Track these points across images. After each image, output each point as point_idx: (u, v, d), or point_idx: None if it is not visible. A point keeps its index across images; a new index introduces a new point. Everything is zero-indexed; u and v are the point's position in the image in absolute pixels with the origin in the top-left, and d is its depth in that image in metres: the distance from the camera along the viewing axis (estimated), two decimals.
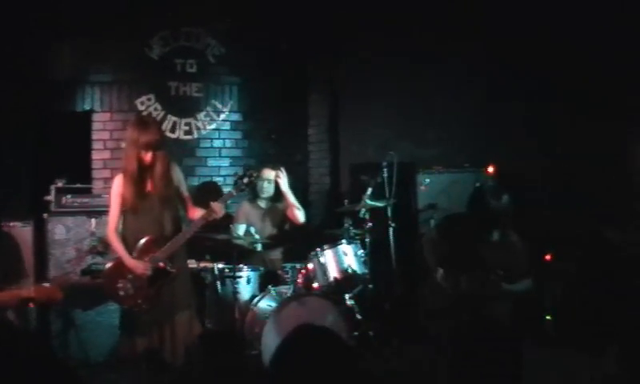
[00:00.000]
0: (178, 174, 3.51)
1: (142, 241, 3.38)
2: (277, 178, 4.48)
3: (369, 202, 4.33)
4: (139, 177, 3.35)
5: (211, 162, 5.29)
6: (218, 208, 3.42)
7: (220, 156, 5.31)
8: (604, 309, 3.99)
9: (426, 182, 4.89)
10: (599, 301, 4.06)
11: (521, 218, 3.39)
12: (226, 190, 5.23)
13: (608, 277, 4.10)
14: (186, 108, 5.18)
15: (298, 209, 4.55)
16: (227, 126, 5.33)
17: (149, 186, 3.39)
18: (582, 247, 4.32)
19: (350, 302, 4.08)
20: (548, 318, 4.29)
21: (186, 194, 3.56)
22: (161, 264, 3.38)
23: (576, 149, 4.61)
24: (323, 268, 4.04)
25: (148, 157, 3.32)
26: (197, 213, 3.52)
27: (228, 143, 5.34)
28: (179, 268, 3.46)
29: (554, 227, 4.46)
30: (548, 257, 4.35)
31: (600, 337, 3.80)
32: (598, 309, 4.03)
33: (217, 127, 5.29)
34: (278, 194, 4.59)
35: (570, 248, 4.34)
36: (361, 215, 4.34)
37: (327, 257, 4.07)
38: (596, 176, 4.48)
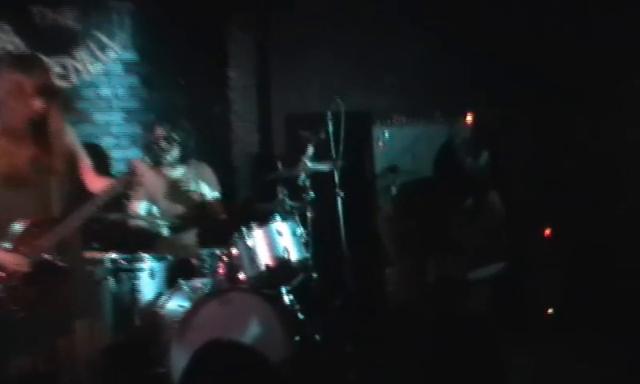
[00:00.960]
0: (71, 132, 3.33)
1: (19, 225, 3.17)
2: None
3: (310, 165, 4.32)
4: (22, 136, 3.13)
5: (98, 117, 5.16)
6: (140, 166, 3.23)
7: (110, 109, 5.19)
8: (619, 298, 4.14)
9: (384, 138, 4.92)
10: (613, 287, 4.19)
11: (506, 182, 3.43)
12: (120, 154, 5.04)
13: (622, 257, 4.24)
14: (59, 43, 4.97)
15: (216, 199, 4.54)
16: (118, 68, 5.20)
17: (34, 149, 3.17)
18: (588, 219, 4.42)
19: (287, 298, 4.12)
20: (550, 311, 4.41)
21: (84, 159, 3.38)
22: (46, 256, 3.20)
23: (575, 91, 4.68)
24: (251, 254, 4.03)
25: (37, 108, 3.10)
26: (99, 183, 3.30)
27: (120, 92, 5.21)
28: (74, 261, 3.24)
29: (551, 194, 4.58)
30: (547, 231, 4.42)
31: (612, 337, 3.96)
32: (612, 298, 4.17)
33: (104, 70, 5.15)
34: (190, 155, 4.55)
35: (574, 220, 4.44)
36: (300, 183, 4.35)
37: (256, 239, 4.06)
38: (599, 127, 4.56)
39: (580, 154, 4.60)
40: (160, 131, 4.30)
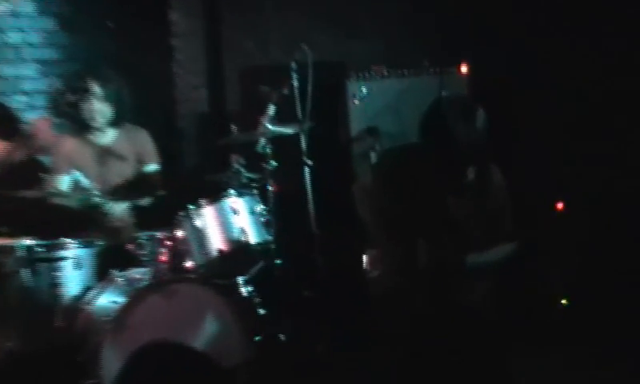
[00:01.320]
0: None
1: None
2: None
3: (271, 128, 4.34)
4: None
5: (4, 71, 5.09)
6: (43, 127, 3.19)
7: (20, 59, 5.12)
8: None
9: (361, 94, 4.94)
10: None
11: (509, 149, 3.45)
12: (34, 117, 4.99)
13: None
14: None
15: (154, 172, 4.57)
16: (30, 7, 5.13)
17: None
18: (611, 191, 4.51)
19: (245, 290, 4.15)
20: (563, 302, 4.49)
21: None
22: None
23: (591, 37, 4.72)
24: (200, 237, 4.06)
25: None
26: None
27: (33, 37, 5.15)
28: None
29: (566, 162, 4.66)
30: (559, 205, 4.48)
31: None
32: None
33: (11, 10, 5.07)
34: (123, 117, 4.54)
35: (592, 193, 4.52)
36: (259, 150, 4.38)
37: (206, 219, 4.08)
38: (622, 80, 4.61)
39: (603, 111, 4.63)
40: (82, 85, 4.31)
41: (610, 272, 4.38)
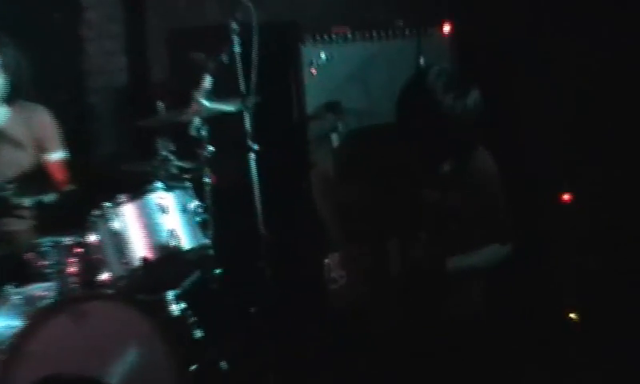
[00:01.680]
0: None
1: None
2: None
3: (207, 104, 4.34)
4: None
5: None
6: None
7: None
8: None
9: (319, 61, 4.96)
10: None
11: (503, 130, 3.43)
12: None
13: None
14: None
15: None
16: None
17: None
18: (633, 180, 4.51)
19: (176, 307, 4.17)
20: (572, 316, 4.52)
21: None
22: None
23: None
24: (119, 242, 4.06)
25: None
26: None
27: None
28: None
29: (573, 144, 4.66)
30: (566, 197, 4.50)
31: None
32: None
33: None
34: (19, 92, 4.50)
35: (609, 183, 4.54)
36: (193, 132, 4.37)
37: (126, 219, 4.09)
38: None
39: (618, 81, 4.66)
40: None
41: (632, 279, 4.40)
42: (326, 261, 3.63)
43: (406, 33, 4.99)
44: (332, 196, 3.62)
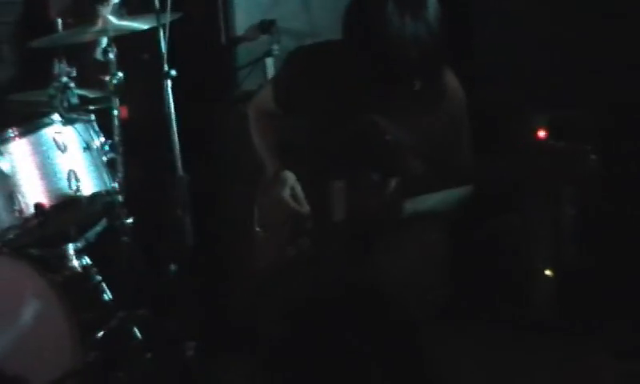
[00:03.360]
0: None
1: None
2: None
3: (115, 21, 4.33)
4: None
5: None
6: None
7: None
8: None
9: None
10: None
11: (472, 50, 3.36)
12: None
13: None
14: None
15: None
16: None
17: None
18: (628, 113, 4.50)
19: (79, 263, 4.19)
20: (548, 273, 4.55)
21: None
22: None
23: None
24: (7, 185, 4.02)
25: None
26: None
27: None
28: None
29: (555, 65, 4.65)
30: (542, 133, 4.50)
31: None
32: None
33: None
34: None
35: (590, 114, 4.51)
36: (98, 55, 4.48)
37: (16, 158, 4.05)
38: None
39: None
40: None
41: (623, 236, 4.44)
42: (258, 209, 3.68)
43: None
44: (267, 129, 3.65)
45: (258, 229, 3.66)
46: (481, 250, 4.62)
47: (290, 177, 3.53)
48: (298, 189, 3.51)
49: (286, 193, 3.50)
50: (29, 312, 3.78)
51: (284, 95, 3.61)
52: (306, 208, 3.50)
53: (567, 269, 4.47)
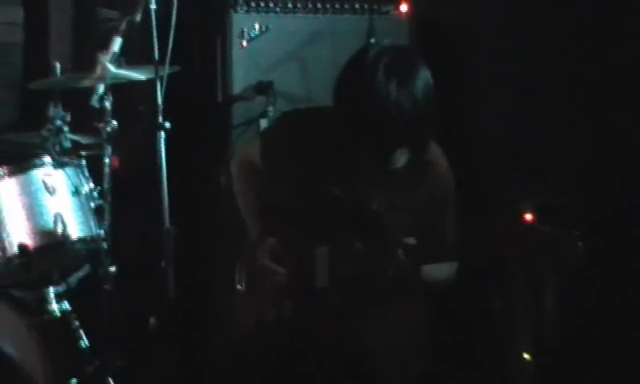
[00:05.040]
0: None
1: None
2: None
3: (114, 70, 4.29)
4: None
5: None
6: None
7: None
8: None
9: (252, 33, 4.94)
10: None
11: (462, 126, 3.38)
12: None
13: None
14: None
15: None
16: None
17: None
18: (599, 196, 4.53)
19: (58, 308, 4.17)
20: (526, 357, 4.55)
21: None
22: None
23: None
24: None
25: None
26: None
27: None
28: None
29: (544, 149, 4.68)
30: (529, 217, 4.52)
31: None
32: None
33: None
34: None
35: (575, 197, 4.54)
36: (94, 102, 4.29)
37: (4, 196, 4.06)
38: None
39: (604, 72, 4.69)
40: None
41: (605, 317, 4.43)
42: (240, 268, 3.70)
43: (357, 8, 4.98)
44: (254, 190, 3.65)
45: (239, 287, 3.67)
46: (462, 328, 4.64)
47: (271, 243, 3.55)
48: (280, 254, 3.53)
49: (267, 260, 3.53)
50: (5, 352, 3.74)
51: (271, 151, 3.62)
52: (287, 273, 3.51)
53: (547, 353, 4.47)
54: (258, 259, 3.56)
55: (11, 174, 4.02)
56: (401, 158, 3.41)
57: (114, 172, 4.28)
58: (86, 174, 4.23)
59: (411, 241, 3.35)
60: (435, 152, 3.48)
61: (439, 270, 3.44)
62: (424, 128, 3.31)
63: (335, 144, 3.41)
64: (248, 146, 3.87)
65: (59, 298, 4.13)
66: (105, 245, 4.18)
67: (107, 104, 4.26)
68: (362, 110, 3.25)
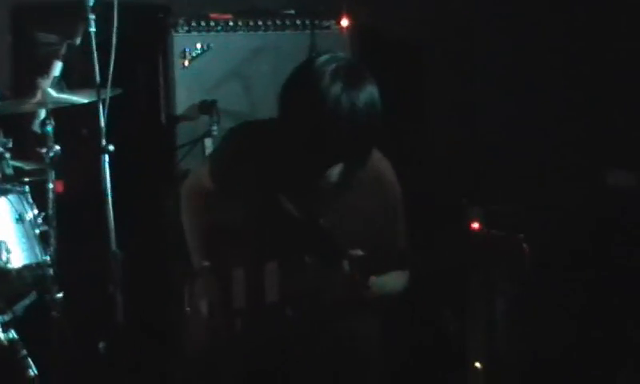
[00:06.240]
0: None
1: None
2: None
3: (55, 94, 4.32)
4: None
5: None
6: None
7: None
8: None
9: (194, 52, 4.97)
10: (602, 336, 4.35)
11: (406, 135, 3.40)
12: None
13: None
14: None
15: None
16: None
17: None
18: (549, 208, 4.59)
19: (5, 337, 4.13)
20: (477, 365, 4.56)
21: None
22: None
23: None
24: None
25: None
26: None
27: None
28: None
29: (489, 155, 4.74)
30: (475, 225, 4.53)
31: None
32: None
33: None
34: None
35: (526, 210, 4.56)
36: (35, 127, 4.35)
37: None
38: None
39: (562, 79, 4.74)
40: None
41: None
42: (189, 288, 3.66)
43: (298, 24, 5.02)
44: (202, 218, 3.65)
45: (187, 308, 3.66)
46: (415, 338, 4.65)
47: (209, 285, 3.55)
48: (217, 298, 3.52)
49: (204, 304, 3.54)
50: None
51: (220, 170, 3.61)
52: (232, 300, 3.49)
53: (498, 361, 4.50)
54: (197, 298, 3.57)
55: None
56: (346, 169, 3.38)
57: (58, 197, 4.29)
58: (30, 200, 4.20)
59: (358, 252, 3.31)
60: (380, 161, 3.49)
61: (391, 281, 3.42)
62: (369, 137, 3.30)
63: (282, 156, 3.37)
64: (197, 170, 3.86)
65: (6, 326, 4.06)
66: (51, 271, 4.16)
67: (49, 129, 4.27)
68: (307, 120, 3.23)
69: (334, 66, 3.24)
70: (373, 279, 3.33)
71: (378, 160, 3.47)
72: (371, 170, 3.44)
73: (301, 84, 3.30)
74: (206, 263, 3.54)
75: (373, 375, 3.52)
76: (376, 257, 3.36)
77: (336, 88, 3.19)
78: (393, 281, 3.44)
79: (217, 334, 3.53)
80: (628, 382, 4.19)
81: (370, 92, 3.25)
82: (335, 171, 3.36)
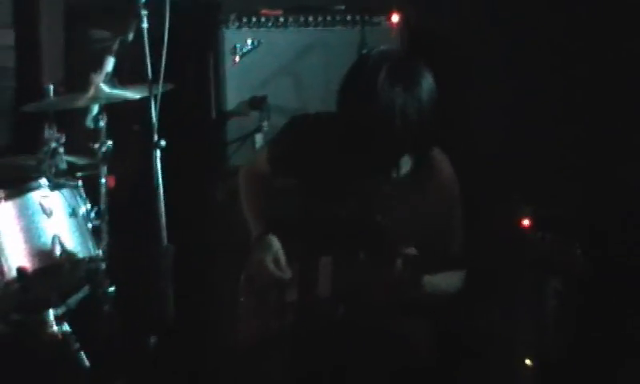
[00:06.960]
0: None
1: None
2: None
3: (108, 90, 4.32)
4: None
5: None
6: None
7: None
8: None
9: (244, 49, 4.98)
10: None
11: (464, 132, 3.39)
12: None
13: None
14: None
15: None
16: None
17: None
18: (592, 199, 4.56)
19: (59, 330, 4.15)
20: (528, 362, 4.51)
21: None
22: None
23: None
24: None
25: None
26: None
27: None
28: None
29: (533, 153, 4.71)
30: (526, 222, 4.51)
31: None
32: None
33: None
34: None
35: (569, 203, 4.58)
36: (89, 122, 4.33)
37: (1, 220, 4.03)
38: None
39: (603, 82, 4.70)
40: None
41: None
42: (244, 283, 3.70)
43: (348, 20, 5.02)
44: (260, 196, 3.68)
45: (242, 299, 3.67)
46: (463, 336, 4.64)
47: (274, 242, 3.53)
48: (282, 256, 3.50)
49: (269, 258, 3.49)
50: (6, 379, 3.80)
51: (278, 156, 3.64)
52: (288, 275, 3.49)
53: (548, 359, 4.47)
54: (258, 259, 3.54)
55: (8, 197, 4.01)
56: (405, 166, 3.42)
57: (110, 192, 4.29)
58: (83, 194, 4.23)
59: (412, 251, 3.33)
60: (439, 158, 3.49)
61: (444, 281, 3.44)
62: (428, 134, 3.32)
63: (341, 150, 3.41)
64: (257, 155, 3.91)
65: (59, 320, 4.10)
66: (103, 265, 4.18)
67: (102, 124, 4.26)
68: (365, 116, 3.25)
69: (391, 63, 3.28)
70: (426, 278, 3.35)
71: (438, 156, 3.48)
72: (430, 167, 3.46)
73: (360, 83, 3.32)
74: (263, 233, 3.56)
75: (421, 374, 3.51)
76: (431, 256, 3.38)
77: (394, 87, 3.22)
78: (446, 281, 3.45)
79: (268, 326, 3.55)
80: None
81: (427, 87, 3.28)
82: (394, 168, 3.41)
